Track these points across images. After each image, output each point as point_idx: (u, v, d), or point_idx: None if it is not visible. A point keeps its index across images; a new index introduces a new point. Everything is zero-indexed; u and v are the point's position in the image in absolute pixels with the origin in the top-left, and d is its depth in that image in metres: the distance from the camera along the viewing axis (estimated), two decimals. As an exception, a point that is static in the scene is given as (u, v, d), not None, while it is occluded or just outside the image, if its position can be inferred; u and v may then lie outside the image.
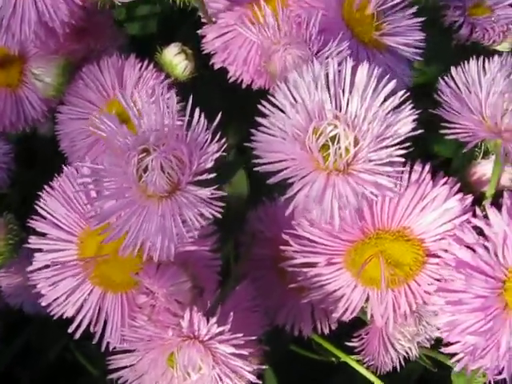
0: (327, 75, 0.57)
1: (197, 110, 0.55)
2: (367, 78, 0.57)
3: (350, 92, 0.57)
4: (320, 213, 0.54)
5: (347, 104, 0.57)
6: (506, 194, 0.61)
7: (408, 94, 0.56)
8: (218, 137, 0.54)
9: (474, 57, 0.64)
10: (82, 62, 0.75)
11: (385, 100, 0.56)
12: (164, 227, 0.54)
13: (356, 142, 0.56)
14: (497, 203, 0.63)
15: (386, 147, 0.55)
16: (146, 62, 0.71)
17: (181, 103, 0.71)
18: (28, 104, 0.77)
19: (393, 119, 0.56)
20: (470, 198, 0.61)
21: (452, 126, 0.61)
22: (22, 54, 0.76)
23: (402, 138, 0.55)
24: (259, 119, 0.56)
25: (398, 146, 0.55)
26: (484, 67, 0.64)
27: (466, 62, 0.64)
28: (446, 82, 0.64)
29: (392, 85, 0.56)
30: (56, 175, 0.64)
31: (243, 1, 0.70)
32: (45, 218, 0.64)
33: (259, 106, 0.57)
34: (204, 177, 0.54)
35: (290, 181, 0.54)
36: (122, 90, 0.71)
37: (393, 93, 0.57)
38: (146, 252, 0.54)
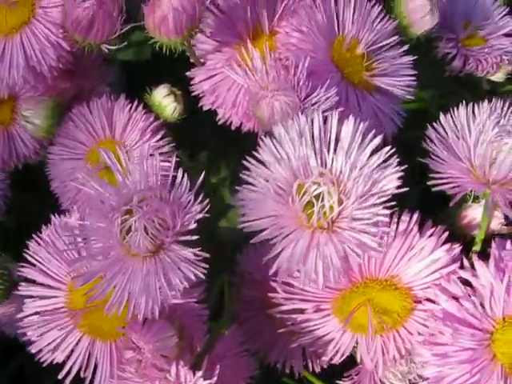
0: (312, 129, 0.56)
1: (180, 170, 0.54)
2: (352, 133, 0.56)
3: (335, 148, 0.56)
4: (304, 273, 0.53)
5: (332, 160, 0.56)
6: (494, 244, 0.60)
7: (394, 149, 0.55)
8: (200, 197, 0.53)
9: (464, 102, 0.63)
10: (72, 101, 0.74)
11: (371, 155, 0.55)
12: (148, 287, 0.53)
13: (341, 200, 0.55)
14: (486, 250, 0.62)
15: (372, 206, 0.54)
16: (135, 103, 0.70)
17: (171, 144, 0.71)
18: (20, 141, 0.77)
19: (378, 176, 0.55)
20: (457, 248, 0.60)
21: (439, 176, 0.60)
22: (14, 93, 0.75)
23: (388, 196, 0.54)
24: (244, 175, 0.55)
25: (383, 205, 0.54)
26: (474, 112, 0.63)
27: (455, 107, 0.63)
28: (435, 128, 0.63)
29: (378, 140, 0.55)
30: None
31: (231, 42, 0.69)
32: (34, 265, 0.64)
33: (244, 162, 0.56)
34: (187, 238, 0.53)
35: (273, 241, 0.53)
36: (112, 131, 0.71)
37: (378, 148, 0.56)
38: (131, 310, 0.54)
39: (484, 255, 0.62)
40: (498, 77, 0.83)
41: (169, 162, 0.71)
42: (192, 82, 0.70)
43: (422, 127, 0.90)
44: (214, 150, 0.88)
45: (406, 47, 0.71)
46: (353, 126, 0.56)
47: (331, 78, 0.66)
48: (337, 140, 0.56)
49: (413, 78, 0.70)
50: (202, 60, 0.69)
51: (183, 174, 0.54)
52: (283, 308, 0.64)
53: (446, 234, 0.61)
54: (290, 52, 0.66)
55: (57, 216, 0.63)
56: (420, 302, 0.62)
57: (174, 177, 0.54)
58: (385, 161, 0.55)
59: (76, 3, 0.63)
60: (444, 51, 0.80)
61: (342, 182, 0.55)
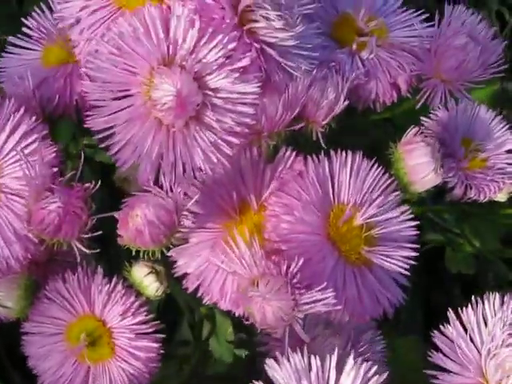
0: (309, 372, 0.48)
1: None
2: (353, 378, 0.47)
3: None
4: None
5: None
6: None
7: None
8: None
9: (474, 301, 0.55)
10: (46, 265, 0.65)
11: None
12: None
13: None
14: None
15: None
16: (113, 282, 0.61)
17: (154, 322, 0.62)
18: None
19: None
20: None
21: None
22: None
23: None
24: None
25: None
26: (483, 315, 0.54)
27: (464, 307, 0.55)
28: (442, 332, 0.55)
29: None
30: None
31: (216, 219, 0.59)
32: None
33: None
34: None
35: None
36: (91, 307, 0.62)
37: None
38: None
39: None
40: (500, 197, 0.74)
41: (155, 342, 0.64)
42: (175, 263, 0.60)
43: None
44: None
45: (407, 210, 0.61)
46: (353, 371, 0.48)
47: (327, 264, 0.57)
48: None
49: (415, 247, 0.61)
50: (184, 237, 0.60)
51: None
52: None
53: None
54: (280, 238, 0.57)
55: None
56: None
57: None
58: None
59: (40, 204, 0.53)
60: (444, 180, 0.71)
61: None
